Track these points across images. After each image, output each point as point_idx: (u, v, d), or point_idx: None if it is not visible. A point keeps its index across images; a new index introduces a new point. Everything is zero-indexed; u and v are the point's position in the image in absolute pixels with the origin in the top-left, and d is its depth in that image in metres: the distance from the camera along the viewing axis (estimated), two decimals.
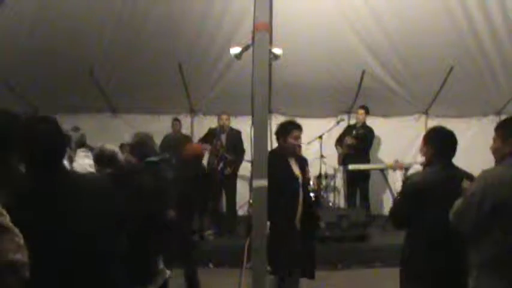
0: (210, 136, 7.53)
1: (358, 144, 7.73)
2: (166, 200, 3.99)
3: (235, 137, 7.43)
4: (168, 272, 4.20)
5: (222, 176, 7.30)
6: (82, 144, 5.16)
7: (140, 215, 3.30)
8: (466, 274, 2.97)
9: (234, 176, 7.53)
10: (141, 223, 3.31)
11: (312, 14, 6.68)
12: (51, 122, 2.22)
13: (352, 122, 8.61)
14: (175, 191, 4.21)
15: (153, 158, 4.25)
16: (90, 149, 4.73)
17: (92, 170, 4.36)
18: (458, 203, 2.78)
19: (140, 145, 4.25)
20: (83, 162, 4.53)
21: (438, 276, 3.05)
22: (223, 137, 7.46)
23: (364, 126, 7.95)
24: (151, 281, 3.75)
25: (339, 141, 8.09)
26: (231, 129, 7.57)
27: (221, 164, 7.29)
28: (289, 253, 4.07)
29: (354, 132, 7.78)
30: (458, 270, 3.07)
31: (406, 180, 3.35)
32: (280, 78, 7.44)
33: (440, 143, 3.26)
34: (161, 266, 4.00)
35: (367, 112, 7.94)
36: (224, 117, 7.54)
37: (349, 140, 7.76)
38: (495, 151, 2.87)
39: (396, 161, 4.36)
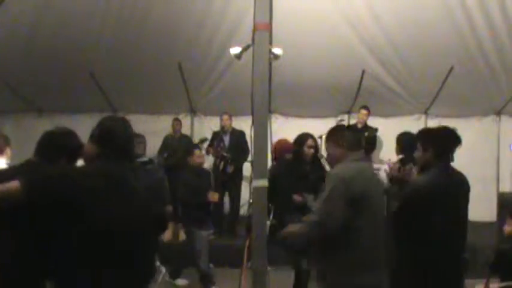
0: (214, 140, 7.58)
1: (367, 145, 7.72)
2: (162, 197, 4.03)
3: (238, 137, 7.43)
4: (163, 269, 4.24)
5: (225, 176, 7.31)
6: None
7: None
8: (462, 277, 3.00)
9: (239, 176, 7.53)
10: None
11: (312, 14, 6.67)
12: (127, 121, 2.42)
13: (352, 122, 8.59)
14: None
15: (145, 159, 4.35)
16: None
17: None
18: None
19: None
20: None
21: (434, 278, 3.05)
22: (227, 138, 7.48)
23: (368, 127, 7.93)
24: None
25: None
26: (234, 130, 7.57)
27: (222, 164, 7.31)
28: None
29: (367, 133, 7.74)
30: (458, 273, 3.08)
31: (412, 184, 3.24)
32: (280, 78, 7.43)
33: (442, 146, 3.17)
34: (157, 263, 4.02)
35: (369, 112, 7.94)
36: (225, 117, 7.54)
37: None
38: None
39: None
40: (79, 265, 2.09)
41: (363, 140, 3.16)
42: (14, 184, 2.02)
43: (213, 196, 5.70)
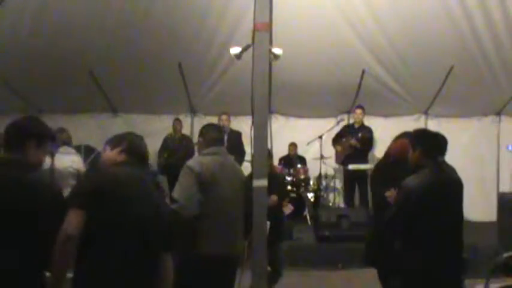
0: None
1: (361, 146, 7.75)
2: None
3: (235, 138, 7.44)
4: None
5: None
6: (66, 143, 5.56)
7: None
8: (461, 278, 3.00)
9: None
10: None
11: (312, 14, 6.67)
12: None
13: (352, 121, 8.60)
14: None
15: None
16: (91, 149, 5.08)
17: (75, 165, 5.32)
18: None
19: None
20: (63, 158, 5.15)
21: (435, 280, 3.05)
22: (225, 138, 7.47)
23: (365, 127, 7.94)
24: None
25: (336, 140, 8.09)
26: (231, 130, 7.57)
27: None
28: None
29: (360, 134, 7.76)
30: (454, 274, 3.08)
31: (400, 187, 3.26)
32: (280, 78, 7.43)
33: (429, 145, 3.25)
34: None
35: (363, 111, 7.98)
36: (224, 117, 7.54)
37: (353, 142, 7.75)
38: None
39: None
40: (88, 258, 2.26)
41: (220, 139, 3.70)
42: (72, 217, 2.24)
43: (286, 207, 5.02)
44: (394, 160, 3.91)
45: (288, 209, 4.94)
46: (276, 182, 5.28)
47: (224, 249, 3.34)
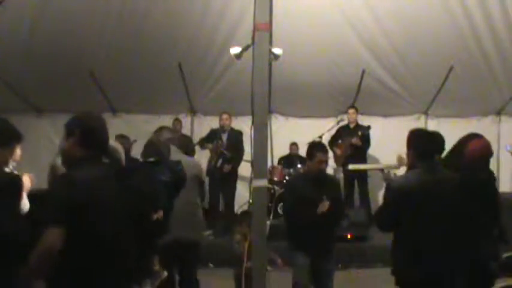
0: (212, 137, 7.59)
1: (362, 144, 7.76)
2: (154, 201, 4.02)
3: (236, 136, 7.46)
4: (165, 272, 4.21)
5: (221, 174, 7.32)
6: None
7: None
8: (454, 278, 2.99)
9: (234, 175, 7.55)
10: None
11: (312, 13, 6.68)
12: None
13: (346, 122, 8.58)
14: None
15: (151, 159, 4.28)
16: None
17: None
18: None
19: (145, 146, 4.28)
20: None
21: (427, 281, 3.05)
22: (225, 136, 7.50)
23: (361, 125, 7.95)
24: (146, 281, 3.74)
25: (333, 143, 8.07)
26: (232, 129, 7.59)
27: (220, 161, 7.33)
28: None
29: (360, 132, 7.77)
30: (446, 274, 3.08)
31: (389, 185, 3.30)
32: (280, 78, 7.43)
33: (421, 146, 3.25)
34: (156, 266, 4.00)
35: (356, 111, 7.99)
36: (224, 117, 7.56)
37: (354, 141, 7.74)
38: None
39: (400, 158, 4.09)
40: (66, 264, 2.13)
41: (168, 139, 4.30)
42: (48, 237, 2.04)
43: (323, 206, 4.21)
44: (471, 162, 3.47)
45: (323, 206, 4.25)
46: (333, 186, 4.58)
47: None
